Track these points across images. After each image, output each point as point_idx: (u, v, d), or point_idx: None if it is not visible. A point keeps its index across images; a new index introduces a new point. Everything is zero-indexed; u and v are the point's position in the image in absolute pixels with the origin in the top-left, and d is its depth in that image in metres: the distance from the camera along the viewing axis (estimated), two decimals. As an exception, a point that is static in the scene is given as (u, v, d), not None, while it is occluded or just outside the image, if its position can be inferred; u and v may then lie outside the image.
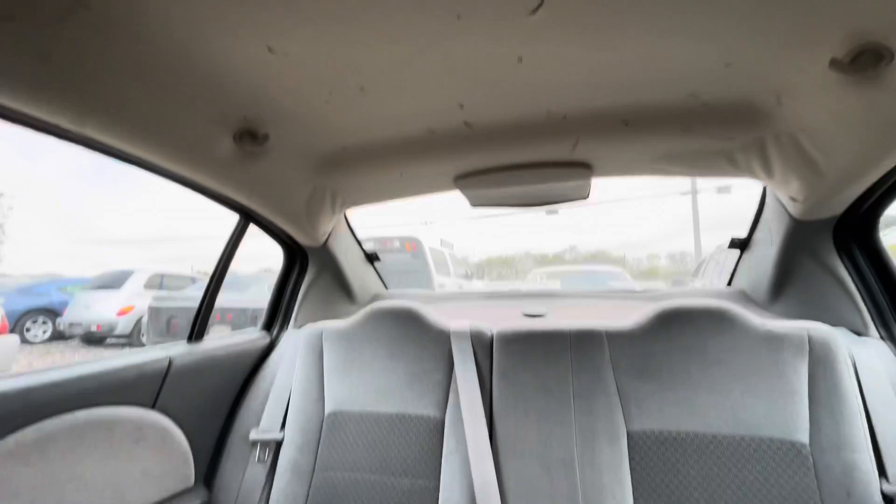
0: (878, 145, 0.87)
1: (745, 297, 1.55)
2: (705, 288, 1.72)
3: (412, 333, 1.31)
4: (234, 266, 1.45)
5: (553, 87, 0.91)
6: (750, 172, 1.15)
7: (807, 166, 1.01)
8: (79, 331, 8.07)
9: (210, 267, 1.40)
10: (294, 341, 1.48)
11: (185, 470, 1.20)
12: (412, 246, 7.35)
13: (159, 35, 0.70)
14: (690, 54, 0.79)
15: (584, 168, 1.23)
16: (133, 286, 8.45)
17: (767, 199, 1.38)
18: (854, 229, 1.18)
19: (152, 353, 1.20)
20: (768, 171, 1.10)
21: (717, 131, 1.00)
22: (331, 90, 0.90)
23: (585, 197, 1.43)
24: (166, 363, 1.19)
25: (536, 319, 1.66)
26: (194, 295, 7.84)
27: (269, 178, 1.21)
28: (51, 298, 9.13)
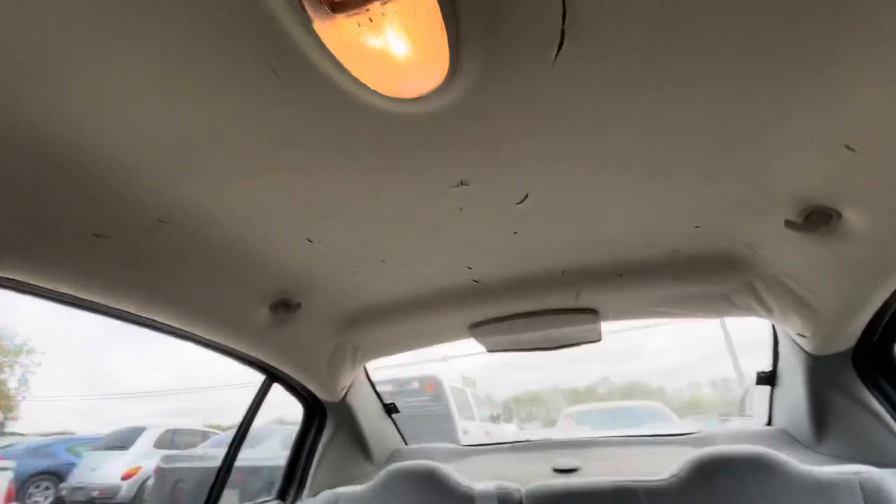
0: (862, 284, 0.93)
1: (789, 438, 1.44)
2: (746, 428, 1.61)
3: (434, 497, 1.23)
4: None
5: (547, 251, 1.04)
6: (751, 312, 1.19)
7: (802, 305, 1.05)
8: (80, 497, 7.48)
9: (221, 419, 1.40)
10: None
11: None
12: (432, 386, 7.05)
13: (219, 236, 0.86)
14: (662, 221, 0.92)
15: (591, 314, 1.30)
16: (142, 445, 8.07)
17: (779, 335, 1.39)
18: (874, 359, 1.16)
19: None
20: (768, 309, 1.15)
21: (706, 278, 1.09)
22: (357, 264, 1.05)
23: (597, 340, 1.46)
24: None
25: (569, 474, 1.54)
26: (206, 453, 7.41)
27: (296, 340, 1.30)
28: (58, 460, 8.71)
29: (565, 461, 1.60)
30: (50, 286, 0.75)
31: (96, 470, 7.63)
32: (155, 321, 0.96)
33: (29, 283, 0.74)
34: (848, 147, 0.65)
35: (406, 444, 1.99)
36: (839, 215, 0.79)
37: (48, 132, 0.57)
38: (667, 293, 1.17)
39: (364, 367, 1.76)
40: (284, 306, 1.14)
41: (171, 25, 0.46)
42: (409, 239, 0.95)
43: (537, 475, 1.53)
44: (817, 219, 0.81)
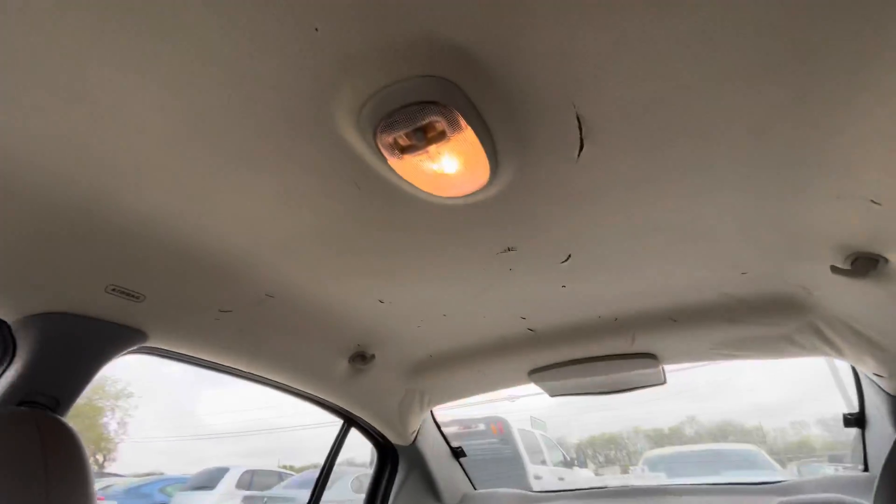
0: None
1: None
2: (840, 475, 1.48)
3: None
4: (314, 458, 1.57)
5: (597, 301, 1.10)
6: (820, 352, 1.16)
7: (871, 345, 1.02)
8: (174, 535, 8.00)
9: (293, 460, 1.55)
10: None
11: None
12: (499, 428, 6.86)
13: (311, 303, 1.04)
14: (705, 270, 0.97)
15: (649, 358, 1.32)
16: (225, 486, 8.55)
17: (860, 374, 1.31)
18: None
19: None
20: (837, 350, 1.11)
21: (763, 320, 1.09)
22: (421, 319, 1.18)
23: (662, 383, 1.46)
24: None
25: None
26: (283, 495, 7.70)
27: (371, 388, 1.45)
28: (153, 500, 9.41)
29: None
30: (187, 353, 0.96)
31: (187, 509, 8.16)
32: (257, 375, 1.15)
33: (171, 351, 0.96)
34: (874, 201, 0.68)
35: (475, 488, 2.02)
36: (885, 260, 0.80)
37: (197, 238, 0.77)
38: (724, 336, 1.18)
39: (431, 412, 1.86)
40: (361, 358, 1.29)
41: (287, 165, 0.64)
42: (465, 296, 1.07)
43: None
44: (864, 264, 0.82)
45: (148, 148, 0.58)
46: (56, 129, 0.54)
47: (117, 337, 0.85)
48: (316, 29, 0.45)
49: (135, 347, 0.89)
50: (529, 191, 0.71)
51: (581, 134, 0.61)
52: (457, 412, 7.36)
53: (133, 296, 0.81)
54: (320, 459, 1.70)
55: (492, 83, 0.52)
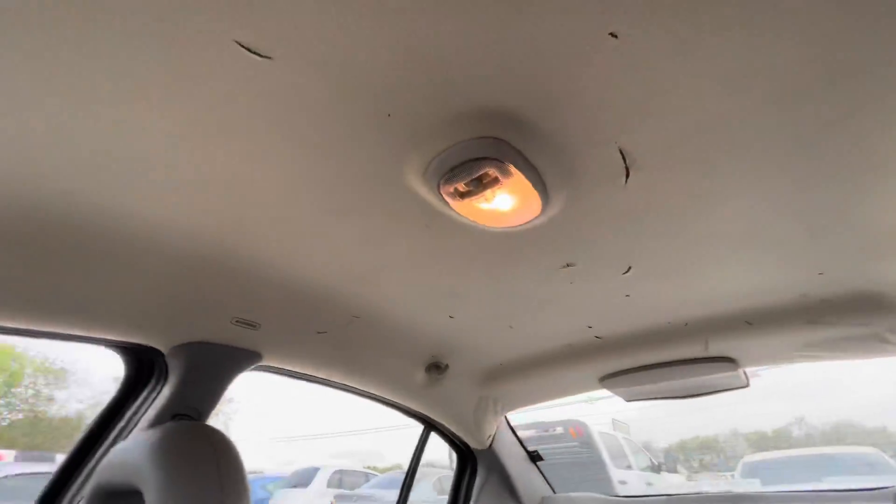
0: None
1: None
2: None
3: None
4: (395, 459, 1.69)
5: (663, 308, 1.11)
6: None
7: None
8: (278, 529, 8.75)
9: (377, 461, 1.68)
10: None
11: None
12: (578, 431, 6.68)
13: (391, 321, 1.16)
14: (777, 273, 0.95)
15: (727, 362, 1.28)
16: (318, 484, 9.19)
17: None
18: None
19: None
20: None
21: (849, 320, 1.03)
22: (490, 331, 1.26)
23: (745, 386, 1.40)
24: None
25: None
26: (370, 494, 8.13)
27: (446, 395, 1.55)
28: (256, 496, 10.35)
29: None
30: (293, 369, 1.13)
31: (284, 504, 8.90)
32: (347, 386, 1.30)
33: (284, 369, 1.13)
34: None
35: (554, 492, 2.05)
36: None
37: (300, 275, 0.92)
38: (809, 338, 1.12)
39: (506, 418, 1.93)
40: (436, 368, 1.40)
41: (369, 211, 0.76)
42: (529, 309, 1.13)
43: None
44: None
45: (268, 208, 0.73)
46: (208, 204, 0.70)
47: (241, 358, 1.03)
48: (389, 115, 0.56)
49: (253, 366, 1.07)
50: (582, 215, 0.77)
51: (626, 163, 0.66)
52: (533, 415, 7.29)
53: (251, 325, 0.98)
54: (400, 461, 1.84)
55: (537, 135, 0.60)
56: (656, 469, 7.86)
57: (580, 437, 6.65)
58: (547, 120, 0.58)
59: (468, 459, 1.86)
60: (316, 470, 9.63)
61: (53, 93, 0.51)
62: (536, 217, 0.75)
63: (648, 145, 0.63)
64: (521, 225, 0.77)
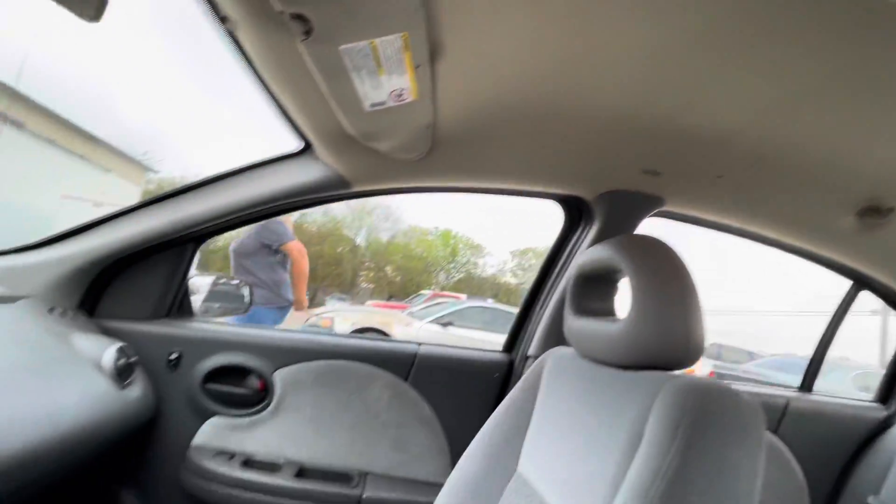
0: None
1: None
2: None
3: None
4: (782, 348, 1.52)
5: None
6: None
7: None
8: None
9: (760, 347, 1.56)
10: None
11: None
12: None
13: (809, 161, 1.03)
14: None
15: None
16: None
17: None
18: None
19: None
20: None
21: None
22: None
23: None
24: None
25: None
26: (757, 372, 7.59)
27: (887, 245, 1.27)
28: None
29: None
30: (693, 214, 1.27)
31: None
32: (755, 233, 1.31)
33: (681, 214, 1.28)
34: None
35: None
36: None
37: (695, 122, 0.97)
38: None
39: None
40: (874, 212, 1.17)
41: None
42: None
43: None
44: None
45: (675, 63, 0.81)
46: (635, 74, 0.84)
47: (647, 204, 1.24)
48: None
49: (655, 211, 1.27)
50: None
51: None
52: None
53: (655, 173, 1.15)
54: (789, 349, 1.70)
55: None
56: None
57: None
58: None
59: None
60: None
61: None
62: None
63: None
64: None
